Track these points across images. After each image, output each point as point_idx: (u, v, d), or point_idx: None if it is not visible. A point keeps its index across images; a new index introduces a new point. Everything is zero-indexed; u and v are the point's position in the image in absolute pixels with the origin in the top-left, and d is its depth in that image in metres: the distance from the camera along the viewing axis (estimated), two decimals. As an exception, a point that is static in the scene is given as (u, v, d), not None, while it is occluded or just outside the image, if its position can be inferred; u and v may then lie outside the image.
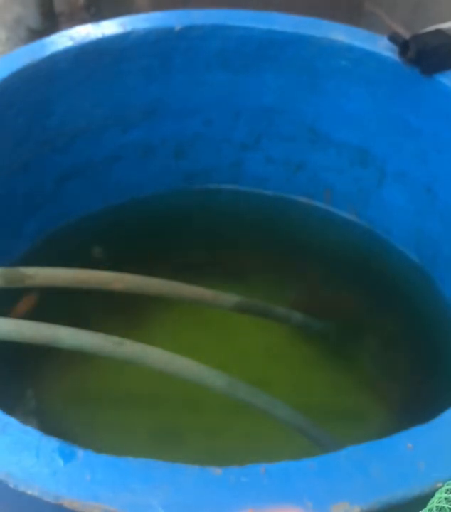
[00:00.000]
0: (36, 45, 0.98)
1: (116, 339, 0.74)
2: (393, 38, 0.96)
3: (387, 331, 1.02)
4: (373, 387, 0.96)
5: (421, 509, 0.41)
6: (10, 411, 0.56)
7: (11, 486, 0.50)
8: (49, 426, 0.85)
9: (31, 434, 0.53)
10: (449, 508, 0.37)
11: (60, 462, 0.51)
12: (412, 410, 0.91)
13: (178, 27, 1.01)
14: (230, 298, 0.92)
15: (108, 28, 1.00)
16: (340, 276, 1.09)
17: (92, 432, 0.88)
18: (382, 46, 0.98)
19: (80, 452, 0.52)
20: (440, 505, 0.36)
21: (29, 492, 0.50)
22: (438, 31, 0.93)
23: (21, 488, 0.50)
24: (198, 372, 0.76)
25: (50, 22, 1.65)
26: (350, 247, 1.13)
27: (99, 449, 0.53)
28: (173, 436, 0.88)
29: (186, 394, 0.91)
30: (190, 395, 0.90)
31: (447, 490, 0.39)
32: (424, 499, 0.44)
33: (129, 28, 1.00)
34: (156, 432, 0.89)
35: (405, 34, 0.97)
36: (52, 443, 0.53)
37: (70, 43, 0.97)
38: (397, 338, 1.02)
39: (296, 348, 0.99)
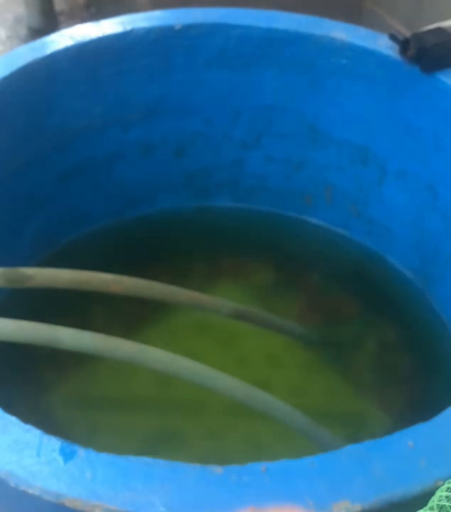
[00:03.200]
0: (36, 44, 0.98)
1: (117, 340, 0.74)
2: (394, 36, 0.96)
3: (386, 337, 1.03)
4: (371, 392, 0.96)
5: (422, 507, 0.41)
6: (11, 412, 0.56)
7: (12, 485, 0.50)
8: (50, 427, 0.85)
9: (32, 433, 0.53)
10: (450, 506, 0.37)
11: (61, 461, 0.51)
12: (410, 413, 0.92)
13: (178, 26, 1.01)
14: (226, 304, 0.93)
15: (108, 27, 1.00)
16: (338, 285, 1.09)
17: (93, 434, 0.88)
18: (382, 44, 0.98)
19: (81, 451, 0.52)
20: (441, 503, 0.36)
21: (30, 491, 0.50)
22: (439, 29, 0.93)
23: (22, 488, 0.50)
24: (200, 373, 0.76)
25: (51, 21, 1.65)
26: (347, 257, 1.13)
27: (100, 451, 0.53)
28: (174, 439, 0.88)
29: (186, 396, 0.91)
30: (191, 397, 0.91)
31: (448, 488, 0.39)
32: (425, 497, 0.44)
33: (129, 27, 1.00)
34: (157, 434, 0.89)
35: (406, 32, 0.97)
36: (53, 442, 0.53)
37: (70, 42, 0.97)
38: (394, 344, 1.02)
39: (295, 353, 1.00)
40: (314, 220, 1.16)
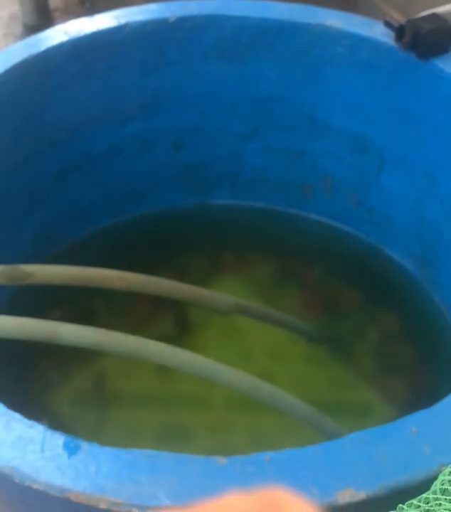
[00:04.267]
0: (31, 40, 0.97)
1: (118, 334, 0.74)
2: (389, 23, 0.96)
3: (386, 327, 1.03)
4: (374, 382, 0.96)
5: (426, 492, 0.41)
6: (16, 410, 0.56)
7: (17, 481, 0.50)
8: (55, 425, 0.85)
9: (36, 429, 0.53)
10: (453, 489, 0.37)
11: (65, 456, 0.51)
12: (412, 402, 0.92)
13: (172, 18, 1.01)
14: (227, 299, 0.93)
15: (102, 21, 1.00)
16: (339, 276, 1.09)
17: (98, 431, 0.88)
18: (378, 32, 0.98)
19: (85, 445, 0.52)
20: (444, 487, 0.36)
21: (35, 487, 0.50)
22: (434, 15, 0.93)
23: (27, 483, 0.50)
24: (202, 366, 0.76)
25: (45, 17, 1.65)
26: (347, 250, 1.13)
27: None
28: (179, 434, 0.89)
29: (190, 391, 0.91)
30: (194, 392, 0.91)
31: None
32: (429, 483, 0.44)
33: (123, 20, 1.00)
34: (162, 430, 0.89)
35: (401, 19, 0.97)
36: (56, 437, 0.53)
37: (64, 38, 0.97)
38: (395, 333, 1.02)
39: (298, 345, 1.00)
40: (313, 215, 1.16)
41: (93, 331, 0.73)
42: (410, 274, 1.08)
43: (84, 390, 0.94)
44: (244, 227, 1.17)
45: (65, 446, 0.52)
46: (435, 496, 0.36)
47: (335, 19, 1.00)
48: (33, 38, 0.98)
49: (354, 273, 1.11)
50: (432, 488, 0.37)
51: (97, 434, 0.87)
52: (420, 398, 0.91)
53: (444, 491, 0.36)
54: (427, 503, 0.37)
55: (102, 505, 0.49)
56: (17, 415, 0.54)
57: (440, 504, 0.35)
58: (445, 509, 0.35)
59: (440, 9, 0.94)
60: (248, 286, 1.07)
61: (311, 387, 0.96)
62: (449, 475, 0.37)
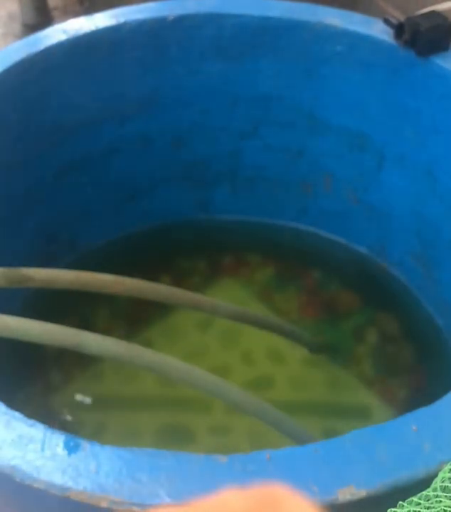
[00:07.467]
0: (30, 39, 0.97)
1: (138, 348, 0.72)
2: (388, 21, 0.96)
3: (386, 329, 1.03)
4: (373, 384, 0.97)
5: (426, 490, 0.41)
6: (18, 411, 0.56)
7: (17, 480, 0.50)
8: (58, 427, 0.85)
9: (36, 428, 0.53)
10: (454, 487, 0.37)
11: (65, 455, 0.51)
12: (411, 403, 0.92)
13: (171, 17, 1.01)
14: (226, 306, 0.92)
15: (101, 20, 1.00)
16: (338, 279, 1.09)
17: (100, 433, 0.88)
18: (377, 30, 0.98)
19: (85, 444, 0.52)
20: (444, 484, 0.36)
21: (35, 486, 0.50)
22: (433, 13, 0.93)
23: (27, 482, 0.50)
24: (214, 384, 0.75)
25: (44, 16, 1.65)
26: (346, 252, 1.14)
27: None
28: (180, 435, 0.89)
29: (190, 394, 0.91)
30: (195, 395, 0.91)
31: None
32: (429, 481, 0.44)
33: (122, 19, 1.00)
34: (163, 432, 0.89)
35: (400, 17, 0.97)
36: (57, 436, 0.53)
37: (63, 37, 0.97)
38: (395, 335, 1.03)
39: (297, 347, 1.00)
40: (313, 215, 1.16)
41: (115, 343, 0.71)
42: (408, 276, 1.08)
43: (86, 393, 0.94)
44: (244, 231, 1.17)
45: (66, 445, 0.52)
46: (436, 493, 0.36)
47: (334, 17, 1.00)
48: (32, 37, 0.98)
49: (353, 275, 1.11)
50: (433, 485, 0.37)
51: (99, 437, 0.87)
52: (418, 399, 0.91)
53: (444, 488, 0.36)
54: (428, 500, 0.37)
55: (103, 504, 0.49)
56: (17, 414, 0.55)
57: (440, 501, 0.35)
58: (445, 506, 0.35)
59: (439, 7, 0.94)
60: (248, 289, 1.07)
61: (311, 388, 0.96)
62: (449, 472, 0.37)
